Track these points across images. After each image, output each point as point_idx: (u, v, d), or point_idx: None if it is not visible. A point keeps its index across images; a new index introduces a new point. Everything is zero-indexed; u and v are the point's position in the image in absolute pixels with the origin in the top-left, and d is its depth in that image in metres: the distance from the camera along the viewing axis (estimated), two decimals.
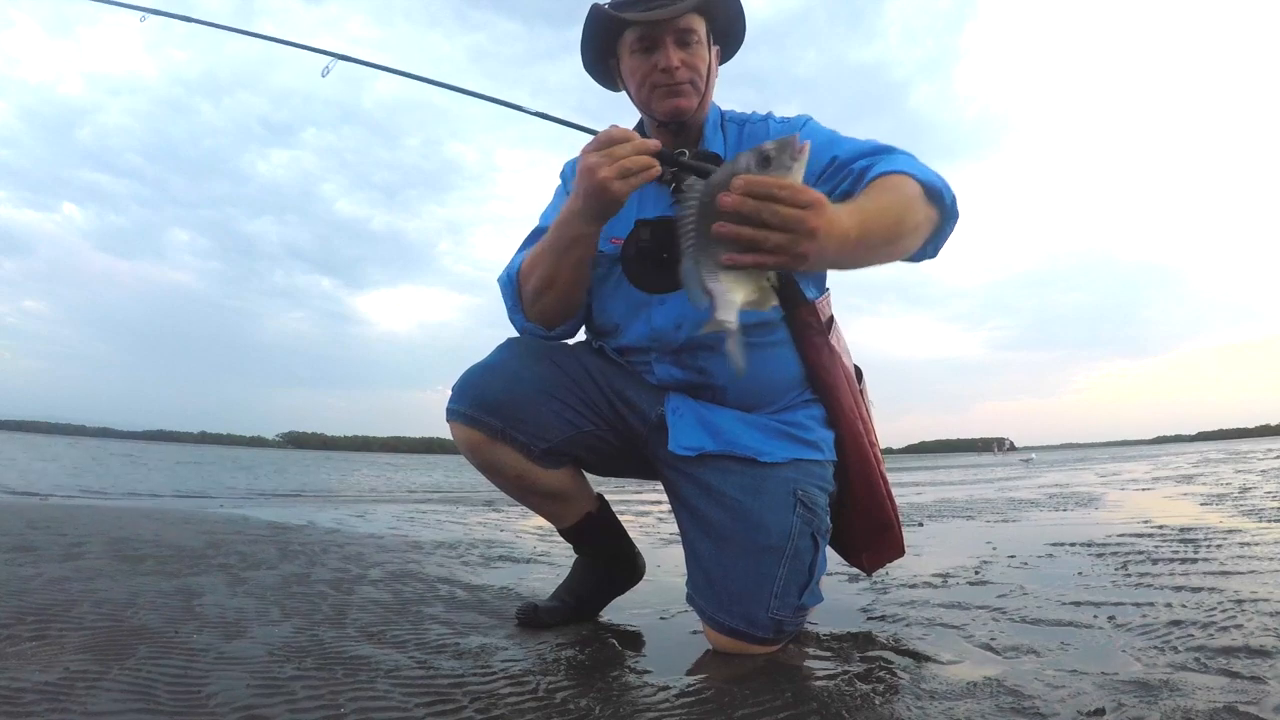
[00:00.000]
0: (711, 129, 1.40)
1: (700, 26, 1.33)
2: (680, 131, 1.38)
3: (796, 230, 0.89)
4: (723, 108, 1.46)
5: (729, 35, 1.42)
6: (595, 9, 1.36)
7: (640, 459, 1.43)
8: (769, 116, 1.43)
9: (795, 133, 0.93)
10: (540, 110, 1.40)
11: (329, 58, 1.46)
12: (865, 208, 1.05)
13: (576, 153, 1.55)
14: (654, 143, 1.14)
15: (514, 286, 1.39)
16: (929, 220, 1.16)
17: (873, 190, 1.14)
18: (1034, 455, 26.26)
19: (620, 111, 1.43)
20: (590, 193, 1.14)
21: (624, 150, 1.11)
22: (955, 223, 1.23)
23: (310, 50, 1.46)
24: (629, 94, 1.40)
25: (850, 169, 1.24)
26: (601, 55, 1.41)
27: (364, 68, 1.51)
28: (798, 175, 0.91)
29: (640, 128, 1.44)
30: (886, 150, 1.25)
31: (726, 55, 1.45)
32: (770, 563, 1.26)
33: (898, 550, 1.48)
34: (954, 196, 1.19)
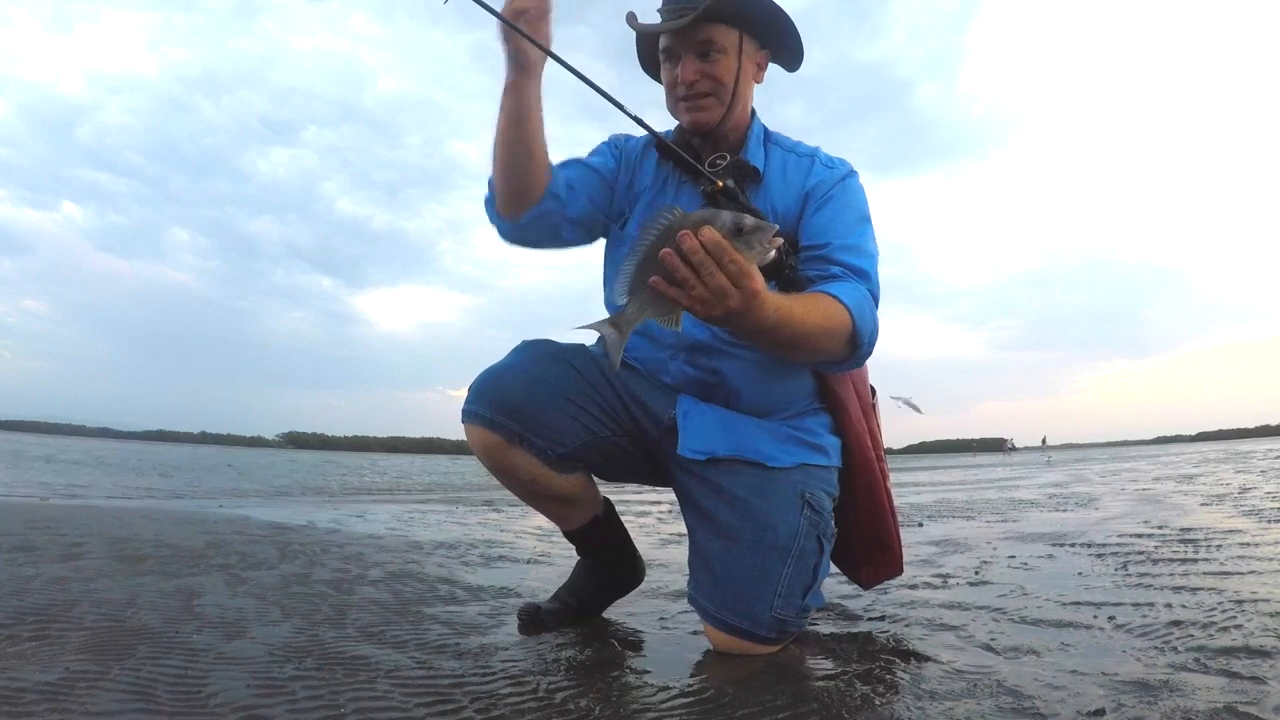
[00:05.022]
0: (755, 142, 1.42)
1: (724, 37, 1.34)
2: (714, 138, 1.40)
3: (718, 297, 0.99)
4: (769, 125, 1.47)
5: (771, 38, 1.41)
6: (629, 16, 1.40)
7: (651, 464, 1.44)
8: (815, 154, 1.43)
9: (774, 226, 1.02)
10: (637, 115, 1.39)
11: None
12: (791, 315, 1.11)
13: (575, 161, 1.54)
14: None
15: (490, 189, 1.41)
16: (833, 355, 1.24)
17: (812, 303, 1.19)
18: (1051, 456, 28.29)
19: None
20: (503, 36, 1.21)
21: None
22: (856, 366, 1.34)
23: None
24: None
25: (826, 265, 1.30)
26: (647, 57, 1.46)
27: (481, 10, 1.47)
28: (755, 258, 1.01)
29: (677, 129, 1.46)
30: (861, 273, 1.30)
31: (790, 65, 1.46)
32: (776, 561, 1.27)
33: (896, 569, 1.50)
34: (869, 351, 1.28)
